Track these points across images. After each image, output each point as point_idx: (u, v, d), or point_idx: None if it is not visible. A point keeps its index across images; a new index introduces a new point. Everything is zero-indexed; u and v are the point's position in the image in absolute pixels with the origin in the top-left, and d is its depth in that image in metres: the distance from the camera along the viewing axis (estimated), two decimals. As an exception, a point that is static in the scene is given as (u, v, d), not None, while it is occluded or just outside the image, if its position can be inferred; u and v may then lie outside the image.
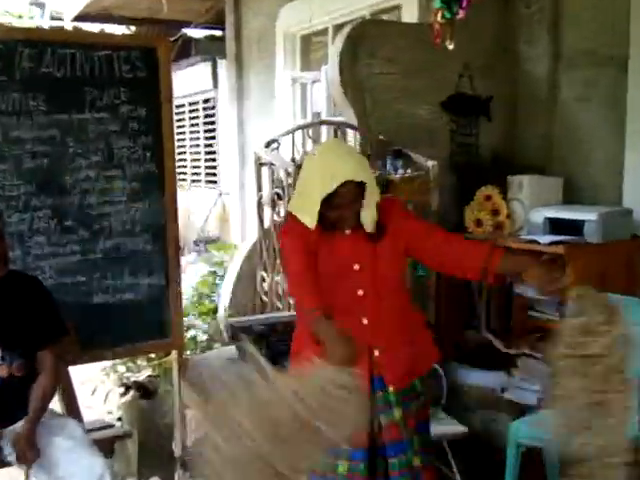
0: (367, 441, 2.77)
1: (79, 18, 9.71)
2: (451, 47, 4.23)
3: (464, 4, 4.09)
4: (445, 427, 3.77)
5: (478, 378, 4.33)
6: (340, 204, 2.71)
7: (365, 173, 2.76)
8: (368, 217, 2.81)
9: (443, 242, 2.87)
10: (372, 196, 2.80)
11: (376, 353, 2.82)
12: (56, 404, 3.71)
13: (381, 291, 2.85)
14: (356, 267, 2.82)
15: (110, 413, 4.74)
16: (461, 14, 4.15)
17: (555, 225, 4.02)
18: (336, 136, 5.34)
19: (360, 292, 2.83)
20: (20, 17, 12.98)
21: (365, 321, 2.83)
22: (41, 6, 12.15)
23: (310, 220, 2.72)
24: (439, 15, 4.13)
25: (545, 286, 2.58)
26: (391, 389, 2.82)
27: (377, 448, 2.82)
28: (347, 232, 2.84)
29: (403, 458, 2.81)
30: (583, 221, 3.89)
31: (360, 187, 2.73)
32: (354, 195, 2.73)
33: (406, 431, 2.83)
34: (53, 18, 11.30)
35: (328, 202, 2.69)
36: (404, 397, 2.85)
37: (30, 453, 3.03)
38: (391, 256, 2.86)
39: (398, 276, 2.95)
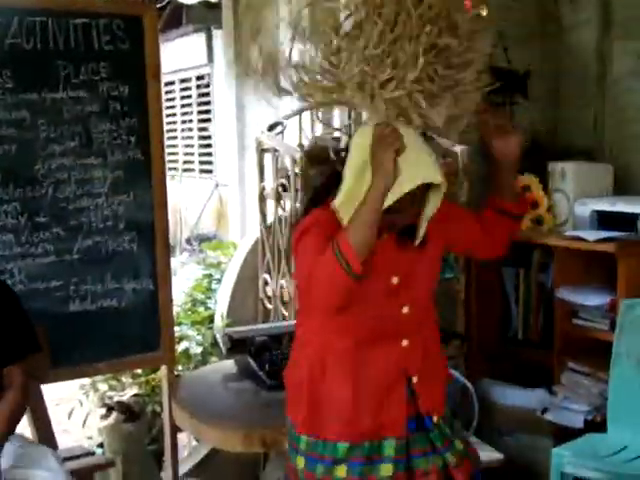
0: None
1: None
2: (484, 13, 4.21)
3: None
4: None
5: (515, 397, 4.35)
6: (398, 209, 2.46)
7: (440, 173, 2.49)
8: (424, 227, 2.59)
9: (482, 230, 2.79)
10: (436, 201, 2.55)
11: (414, 380, 2.65)
12: (26, 429, 3.72)
13: (420, 308, 2.69)
14: (394, 280, 2.61)
15: (90, 438, 4.74)
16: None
17: (604, 219, 4.02)
18: (349, 118, 5.32)
19: (405, 309, 2.62)
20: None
21: (405, 343, 2.64)
22: None
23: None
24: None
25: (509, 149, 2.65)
26: (435, 419, 2.66)
27: None
28: (384, 236, 2.57)
29: None
30: (637, 215, 3.89)
31: (426, 189, 2.50)
32: (418, 199, 2.51)
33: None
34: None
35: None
36: (446, 437, 2.67)
37: None
38: (431, 265, 2.74)
39: (433, 288, 2.81)
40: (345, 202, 2.48)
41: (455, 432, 2.76)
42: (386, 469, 2.53)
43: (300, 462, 2.62)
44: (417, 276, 2.64)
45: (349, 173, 2.51)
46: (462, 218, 2.84)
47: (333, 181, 2.60)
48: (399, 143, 2.33)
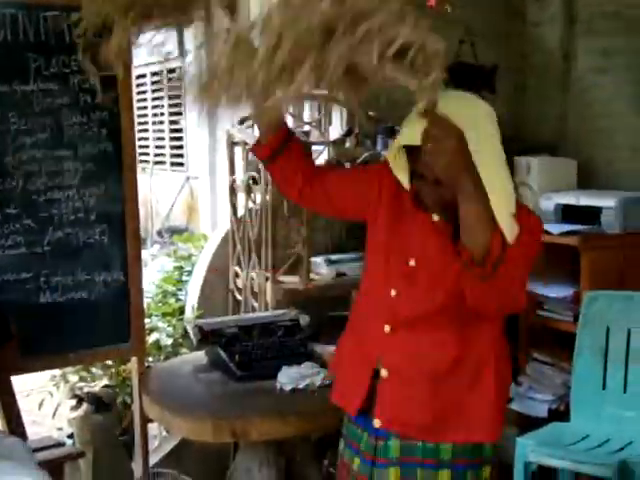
0: None
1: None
2: (450, 10, 4.23)
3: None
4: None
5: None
6: (421, 174, 2.26)
7: (486, 145, 2.20)
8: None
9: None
10: (494, 192, 2.12)
11: (383, 373, 2.42)
12: None
13: (413, 295, 2.43)
14: (412, 263, 2.39)
15: (60, 429, 4.73)
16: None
17: (568, 213, 4.06)
18: (319, 113, 5.34)
19: (393, 292, 2.41)
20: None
21: (387, 329, 2.42)
22: None
23: (403, 177, 2.35)
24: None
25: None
26: (376, 424, 2.41)
27: None
28: (435, 218, 2.35)
29: None
30: (600, 208, 3.92)
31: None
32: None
33: None
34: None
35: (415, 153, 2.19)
36: (407, 457, 2.38)
37: None
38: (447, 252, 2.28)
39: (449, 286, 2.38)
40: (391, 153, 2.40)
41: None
42: (356, 462, 2.50)
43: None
44: (430, 262, 2.38)
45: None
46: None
47: None
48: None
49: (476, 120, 2.18)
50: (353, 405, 2.49)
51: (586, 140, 4.42)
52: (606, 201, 3.91)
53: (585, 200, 4.01)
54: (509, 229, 2.09)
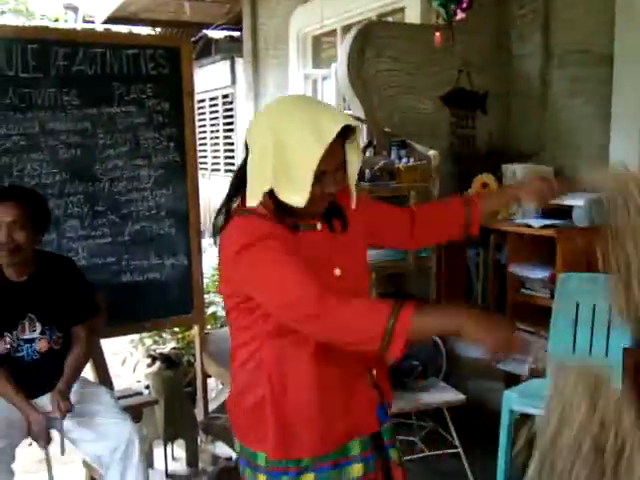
0: None
1: (109, 21, 9.78)
2: (451, 47, 4.24)
3: (463, 5, 4.08)
4: (445, 395, 3.79)
5: (475, 350, 4.33)
6: (326, 171, 1.83)
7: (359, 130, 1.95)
8: (353, 188, 2.00)
9: (413, 222, 2.23)
10: (355, 161, 1.95)
11: (374, 372, 2.09)
12: (90, 374, 3.73)
13: (362, 296, 2.06)
14: (337, 272, 1.98)
15: (138, 382, 4.77)
16: (460, 15, 4.15)
17: (546, 210, 4.02)
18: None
19: None
20: (56, 20, 13.12)
21: None
22: (74, 10, 12.38)
23: (303, 196, 1.80)
24: (439, 17, 4.14)
25: (545, 196, 2.20)
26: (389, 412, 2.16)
27: None
28: (318, 227, 1.99)
29: None
30: (572, 207, 3.89)
31: (342, 150, 1.90)
32: (339, 157, 1.89)
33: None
34: (85, 21, 11.41)
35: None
36: (394, 436, 2.17)
37: (63, 404, 3.02)
38: (360, 251, 2.11)
39: (367, 276, 2.21)
40: (278, 185, 1.83)
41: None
42: (356, 470, 2.00)
43: (262, 479, 2.00)
44: (352, 265, 2.03)
45: (262, 163, 1.85)
46: (385, 212, 2.26)
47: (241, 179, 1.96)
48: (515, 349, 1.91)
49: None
50: (372, 424, 2.06)
51: (560, 151, 4.40)
52: (576, 201, 3.88)
53: (559, 200, 3.99)
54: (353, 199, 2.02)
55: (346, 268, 2.00)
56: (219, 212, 2.02)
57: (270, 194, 1.86)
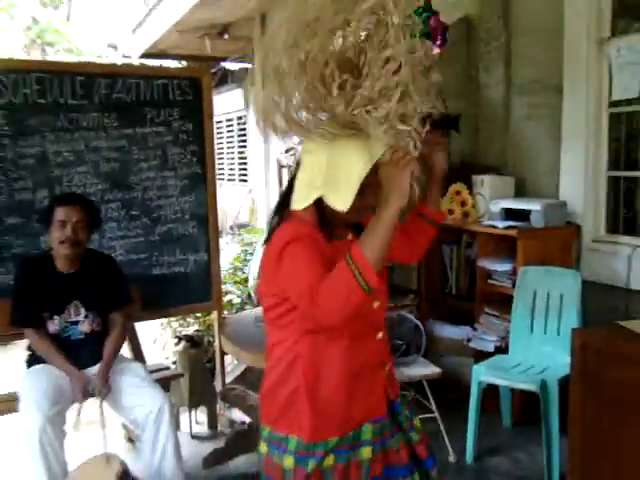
0: (407, 458, 2.01)
1: (143, 56, 9.87)
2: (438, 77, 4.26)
3: (438, 42, 4.12)
4: (424, 369, 3.78)
5: (449, 331, 4.37)
6: (370, 185, 1.73)
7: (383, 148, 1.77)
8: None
9: (401, 229, 2.06)
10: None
11: (387, 367, 2.04)
12: (126, 351, 3.76)
13: (384, 301, 2.01)
14: None
15: (167, 358, 4.77)
16: (436, 51, 4.18)
17: (509, 213, 4.04)
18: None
19: (376, 304, 1.94)
20: (100, 56, 13.18)
21: (380, 335, 1.99)
22: (115, 48, 12.63)
23: (346, 202, 1.71)
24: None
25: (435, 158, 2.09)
26: (398, 402, 2.09)
27: (418, 463, 2.06)
28: (349, 237, 1.93)
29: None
30: (530, 210, 3.91)
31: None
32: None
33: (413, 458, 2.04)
34: (124, 56, 11.55)
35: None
36: (408, 418, 2.10)
37: (103, 389, 3.07)
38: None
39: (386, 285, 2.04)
40: (324, 189, 1.76)
41: (412, 412, 2.15)
42: (366, 452, 1.94)
43: (289, 461, 1.90)
44: (383, 270, 1.95)
45: (310, 170, 1.81)
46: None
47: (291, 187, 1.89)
48: (414, 165, 1.73)
49: None
50: (383, 409, 2.00)
51: (520, 164, 4.41)
52: (534, 205, 3.90)
53: (520, 205, 3.99)
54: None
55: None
56: (274, 215, 1.95)
57: (316, 205, 1.80)
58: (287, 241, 1.79)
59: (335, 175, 1.73)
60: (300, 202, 1.81)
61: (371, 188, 1.73)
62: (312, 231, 1.82)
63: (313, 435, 1.90)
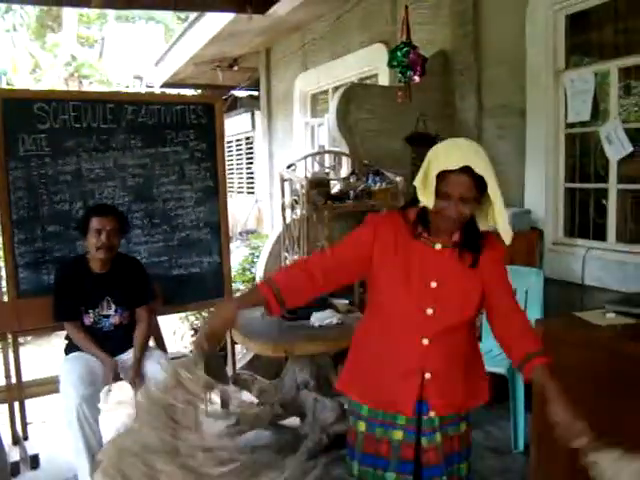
0: (414, 456, 1.92)
1: (164, 85, 9.97)
2: (409, 102, 4.30)
3: (418, 71, 4.16)
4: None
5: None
6: (448, 194, 1.75)
7: (488, 172, 1.74)
8: (489, 222, 1.83)
9: (506, 314, 1.91)
10: (496, 202, 1.77)
11: (427, 376, 1.88)
12: (150, 341, 3.71)
13: (452, 318, 1.86)
14: (433, 285, 1.84)
15: (185, 347, 4.78)
16: (416, 79, 4.23)
17: None
18: (334, 161, 5.37)
19: (429, 311, 1.84)
20: (127, 86, 13.41)
21: (425, 342, 1.85)
22: (140, 79, 12.78)
23: (427, 200, 1.76)
24: (402, 81, 4.21)
25: (565, 434, 1.70)
26: (432, 414, 1.90)
27: (420, 467, 1.94)
28: (437, 246, 1.87)
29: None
30: None
31: (477, 190, 1.76)
32: (467, 190, 1.75)
33: (444, 455, 1.93)
34: (147, 86, 11.70)
35: (439, 188, 1.76)
36: (446, 421, 1.93)
37: (138, 379, 3.11)
38: (474, 288, 1.88)
39: (471, 310, 1.89)
40: (417, 183, 1.79)
41: (459, 434, 1.98)
42: (397, 434, 1.90)
43: (361, 425, 1.96)
44: (455, 289, 1.86)
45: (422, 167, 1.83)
46: (501, 289, 1.93)
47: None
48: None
49: (486, 163, 1.76)
50: (409, 409, 1.89)
51: None
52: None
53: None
54: (507, 234, 1.81)
55: (445, 283, 1.85)
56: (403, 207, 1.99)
57: (422, 208, 1.84)
58: (370, 218, 1.95)
59: (425, 178, 1.78)
60: (419, 198, 1.81)
61: (453, 199, 1.76)
62: (402, 223, 1.89)
63: (343, 384, 2.02)
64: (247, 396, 4.19)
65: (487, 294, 1.90)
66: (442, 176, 1.76)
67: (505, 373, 3.42)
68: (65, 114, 3.61)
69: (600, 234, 3.87)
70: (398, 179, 4.38)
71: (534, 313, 3.61)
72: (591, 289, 3.67)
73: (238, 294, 5.24)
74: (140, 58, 13.79)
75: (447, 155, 1.76)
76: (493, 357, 3.63)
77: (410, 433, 1.91)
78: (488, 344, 3.78)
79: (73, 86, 13.18)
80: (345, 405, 2.10)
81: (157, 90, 10.15)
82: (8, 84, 11.95)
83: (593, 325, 2.73)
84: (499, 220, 1.80)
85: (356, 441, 1.99)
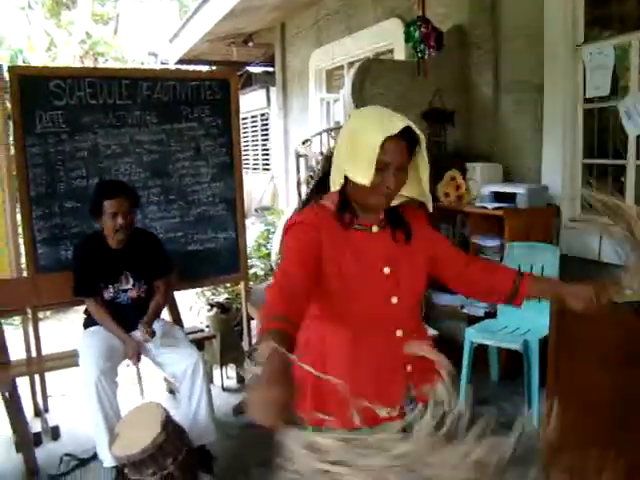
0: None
1: (179, 62, 9.92)
2: (425, 77, 4.26)
3: (431, 46, 4.13)
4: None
5: (445, 299, 4.36)
6: (387, 163, 1.58)
7: (423, 141, 1.62)
8: (415, 190, 1.69)
9: (466, 270, 1.81)
10: (424, 168, 1.65)
11: (408, 368, 1.73)
12: (167, 316, 3.81)
13: (413, 299, 1.76)
14: (386, 271, 1.68)
15: (201, 323, 4.81)
16: (430, 54, 4.20)
17: (497, 196, 4.03)
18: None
19: (394, 300, 1.69)
20: (142, 63, 13.45)
21: (399, 333, 1.71)
22: (155, 55, 12.80)
23: (366, 175, 1.56)
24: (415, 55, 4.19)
25: (591, 306, 1.70)
26: (419, 405, 1.64)
27: None
28: (374, 229, 1.71)
29: None
30: (516, 194, 3.91)
31: (407, 156, 1.62)
32: (405, 157, 1.61)
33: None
34: (162, 63, 11.71)
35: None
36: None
37: (148, 330, 3.14)
38: (420, 263, 1.75)
39: (423, 286, 1.78)
40: (348, 167, 1.61)
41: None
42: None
43: None
44: (406, 270, 1.71)
45: (342, 146, 1.66)
46: (444, 246, 1.84)
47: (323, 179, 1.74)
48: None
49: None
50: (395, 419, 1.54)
51: (507, 153, 4.39)
52: (519, 189, 3.89)
53: (507, 189, 3.98)
54: (430, 201, 1.70)
55: (398, 272, 1.69)
56: (304, 201, 1.82)
57: (340, 192, 1.67)
58: (290, 225, 1.66)
59: (356, 153, 1.59)
60: (334, 185, 1.67)
61: (391, 169, 1.59)
62: (325, 217, 1.67)
63: (312, 419, 1.55)
64: (263, 371, 4.23)
65: (435, 260, 1.79)
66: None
67: (520, 349, 3.42)
68: (81, 91, 3.62)
69: (618, 210, 3.82)
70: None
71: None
72: (608, 266, 3.64)
73: (250, 271, 5.23)
74: (155, 35, 13.76)
75: (381, 121, 1.59)
76: (507, 334, 3.64)
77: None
78: (502, 320, 3.80)
79: (88, 64, 13.20)
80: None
81: (172, 67, 10.13)
82: (24, 62, 11.97)
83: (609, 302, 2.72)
84: (426, 187, 1.67)
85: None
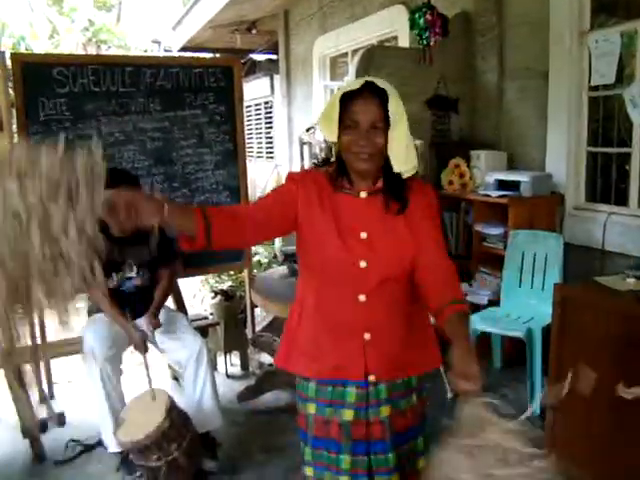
0: (365, 434, 1.79)
1: (182, 49, 9.90)
2: (430, 64, 4.25)
3: (435, 33, 4.11)
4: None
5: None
6: (357, 121, 1.64)
7: (392, 91, 1.66)
8: (398, 156, 1.69)
9: (432, 261, 1.70)
10: (401, 133, 1.67)
11: (367, 337, 1.75)
12: (171, 304, 3.81)
13: (387, 269, 1.72)
14: (363, 235, 1.71)
15: (205, 310, 4.83)
16: (435, 41, 4.18)
17: (501, 184, 4.03)
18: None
19: (363, 264, 1.70)
20: (145, 51, 13.43)
21: (362, 298, 1.72)
22: (158, 43, 12.74)
23: (331, 132, 1.68)
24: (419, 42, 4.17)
25: (457, 375, 1.51)
26: (372, 378, 1.77)
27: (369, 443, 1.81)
28: (363, 195, 1.75)
29: (381, 457, 1.80)
30: (520, 181, 3.90)
31: (386, 121, 1.65)
32: (375, 114, 1.65)
33: (390, 432, 1.79)
34: (165, 50, 11.70)
35: (344, 119, 1.67)
36: (395, 393, 1.81)
37: (154, 322, 3.15)
38: (407, 236, 1.73)
39: (406, 260, 1.72)
40: (320, 124, 1.73)
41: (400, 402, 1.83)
42: (348, 414, 1.78)
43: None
44: (387, 240, 1.72)
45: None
46: (427, 235, 1.75)
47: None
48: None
49: (397, 94, 1.68)
50: (358, 373, 1.77)
51: (511, 141, 4.38)
52: (523, 177, 3.89)
53: (511, 177, 3.98)
54: (401, 163, 1.70)
55: (376, 239, 1.72)
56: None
57: (338, 158, 1.76)
58: (290, 175, 1.82)
59: (324, 112, 1.71)
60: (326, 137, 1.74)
61: (361, 128, 1.65)
62: (319, 178, 1.77)
63: (282, 360, 1.88)
64: (266, 357, 4.26)
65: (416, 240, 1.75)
66: (347, 106, 1.66)
67: (522, 337, 3.42)
68: (84, 78, 3.62)
69: (622, 199, 3.82)
70: (417, 142, 4.34)
71: (553, 278, 3.61)
72: (611, 255, 3.64)
73: (254, 259, 5.25)
74: (158, 22, 13.73)
75: (349, 83, 1.70)
76: (511, 321, 3.64)
77: (360, 410, 1.78)
78: (506, 308, 3.80)
79: (91, 51, 13.19)
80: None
81: (175, 54, 10.10)
82: (27, 49, 11.94)
83: (613, 290, 2.74)
84: (408, 152, 1.71)
85: (307, 425, 1.86)
